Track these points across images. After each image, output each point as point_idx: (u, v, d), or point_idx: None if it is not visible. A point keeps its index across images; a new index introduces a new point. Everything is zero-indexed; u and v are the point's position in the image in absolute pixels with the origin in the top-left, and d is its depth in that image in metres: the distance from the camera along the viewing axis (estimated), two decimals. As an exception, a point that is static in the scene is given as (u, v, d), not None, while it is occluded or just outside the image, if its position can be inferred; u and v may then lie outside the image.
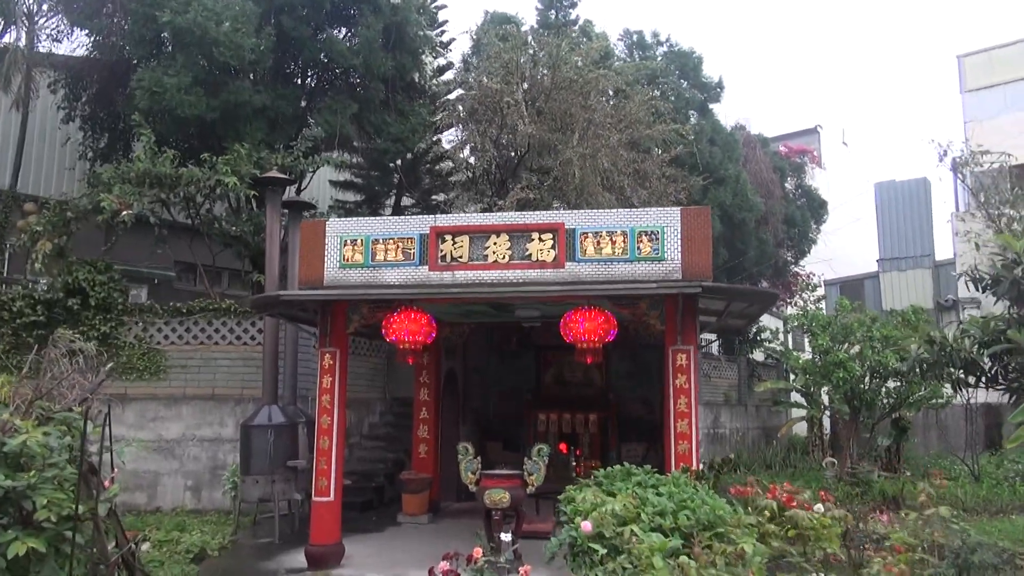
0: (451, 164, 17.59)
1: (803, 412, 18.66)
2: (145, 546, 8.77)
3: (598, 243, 7.99)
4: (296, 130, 14.61)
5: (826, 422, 19.35)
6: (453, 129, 17.21)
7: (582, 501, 5.33)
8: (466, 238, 8.33)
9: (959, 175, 23.02)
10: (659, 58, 20.43)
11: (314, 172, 14.91)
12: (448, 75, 18.04)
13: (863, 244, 28.80)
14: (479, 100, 14.89)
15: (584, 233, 8.05)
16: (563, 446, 13.27)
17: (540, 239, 8.13)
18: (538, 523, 10.23)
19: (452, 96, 17.15)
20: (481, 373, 14.54)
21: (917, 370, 10.05)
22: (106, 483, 5.23)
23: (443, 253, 8.36)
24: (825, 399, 17.32)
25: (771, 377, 21.46)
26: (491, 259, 8.23)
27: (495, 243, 8.22)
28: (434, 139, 17.37)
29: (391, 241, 8.46)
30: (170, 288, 16.20)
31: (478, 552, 5.95)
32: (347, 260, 8.56)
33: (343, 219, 9.30)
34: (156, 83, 12.54)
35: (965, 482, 14.41)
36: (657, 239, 7.85)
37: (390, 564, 8.66)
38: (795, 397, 19.52)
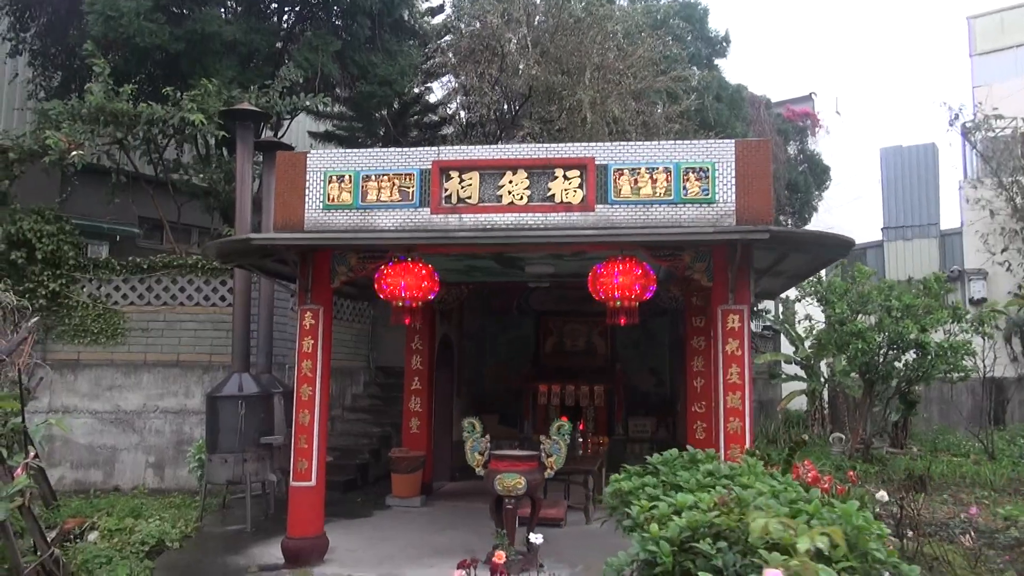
0: (443, 114, 16.16)
1: (800, 385, 17.76)
2: (92, 536, 7.50)
3: (635, 181, 6.62)
4: (272, 70, 13.10)
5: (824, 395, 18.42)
6: (446, 78, 15.82)
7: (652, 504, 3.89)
8: (475, 175, 6.92)
9: (969, 140, 22.08)
10: (663, 7, 19.13)
11: (292, 116, 13.44)
12: (439, 19, 16.58)
13: (863, 213, 27.86)
14: (477, 39, 13.44)
15: (619, 170, 6.67)
16: (564, 419, 12.12)
17: (565, 177, 6.74)
18: (547, 507, 9.08)
19: (444, 40, 15.70)
20: (476, 340, 13.29)
21: (1015, 335, 8.91)
22: (17, 471, 3.93)
23: (448, 193, 6.97)
24: (825, 371, 16.39)
25: (768, 348, 20.48)
26: (505, 200, 6.84)
27: (511, 181, 6.83)
28: (424, 86, 15.90)
29: (385, 178, 7.04)
30: (133, 246, 14.77)
31: (500, 557, 4.73)
32: (332, 200, 7.14)
33: (328, 151, 7.88)
34: (111, 6, 11.06)
35: (982, 459, 13.68)
36: (707, 177, 6.50)
37: (382, 559, 7.40)
38: (788, 370, 18.57)
